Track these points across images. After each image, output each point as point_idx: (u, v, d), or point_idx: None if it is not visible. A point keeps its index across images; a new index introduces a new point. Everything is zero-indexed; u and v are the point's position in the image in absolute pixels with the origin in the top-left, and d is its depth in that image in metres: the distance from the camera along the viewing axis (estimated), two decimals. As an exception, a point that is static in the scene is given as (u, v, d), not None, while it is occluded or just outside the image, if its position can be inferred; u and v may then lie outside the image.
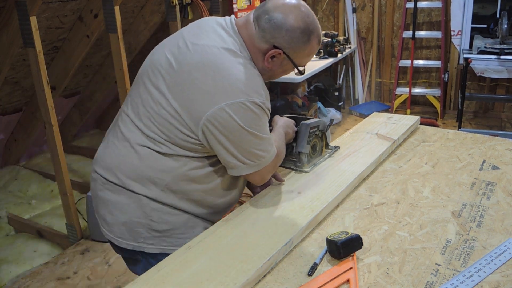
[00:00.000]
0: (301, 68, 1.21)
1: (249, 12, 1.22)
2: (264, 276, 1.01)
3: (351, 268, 1.02)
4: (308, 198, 1.28)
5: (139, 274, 1.20)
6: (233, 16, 1.22)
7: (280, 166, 1.39)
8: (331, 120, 1.56)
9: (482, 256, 1.04)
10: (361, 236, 1.06)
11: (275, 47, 1.13)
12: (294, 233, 1.11)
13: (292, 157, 1.46)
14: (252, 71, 1.12)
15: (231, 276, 0.97)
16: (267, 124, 1.19)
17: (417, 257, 1.05)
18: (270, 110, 1.18)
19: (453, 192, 1.35)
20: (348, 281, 0.98)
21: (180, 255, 1.07)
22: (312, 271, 1.01)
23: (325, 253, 1.07)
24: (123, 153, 1.19)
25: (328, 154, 1.56)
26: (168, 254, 1.08)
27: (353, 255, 1.05)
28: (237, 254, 1.04)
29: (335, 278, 0.99)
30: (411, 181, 1.43)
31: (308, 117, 1.53)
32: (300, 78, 3.57)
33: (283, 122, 1.38)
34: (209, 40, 1.13)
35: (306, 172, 1.44)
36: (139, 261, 1.25)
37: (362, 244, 1.06)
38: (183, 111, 1.10)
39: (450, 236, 1.13)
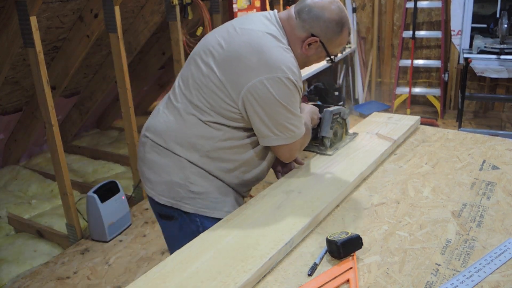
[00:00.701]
0: (332, 57, 1.38)
1: (288, 8, 1.43)
2: (264, 276, 1.01)
3: (351, 268, 1.02)
4: (308, 198, 1.28)
5: (172, 231, 1.41)
6: (275, 10, 1.41)
7: (305, 150, 1.52)
8: (350, 108, 1.66)
9: (482, 256, 1.04)
10: (361, 236, 1.06)
11: (312, 35, 1.31)
12: (294, 233, 1.11)
13: (316, 141, 1.59)
14: (289, 54, 1.29)
15: (232, 276, 0.97)
16: (299, 102, 1.34)
17: (417, 257, 1.05)
18: (302, 90, 1.35)
19: (453, 192, 1.35)
20: (348, 281, 0.98)
21: (181, 253, 1.07)
22: (312, 271, 1.01)
23: (325, 253, 1.07)
24: (172, 120, 1.36)
25: (348, 140, 1.67)
26: (202, 216, 1.31)
27: (353, 255, 1.05)
28: (238, 254, 1.04)
29: (335, 278, 0.99)
30: (411, 181, 1.43)
31: (330, 105, 1.63)
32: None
33: (309, 108, 1.53)
34: (255, 25, 1.32)
35: (329, 155, 1.57)
36: (176, 218, 1.38)
37: (362, 244, 1.06)
38: (228, 83, 1.26)
39: (450, 236, 1.13)
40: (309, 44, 1.32)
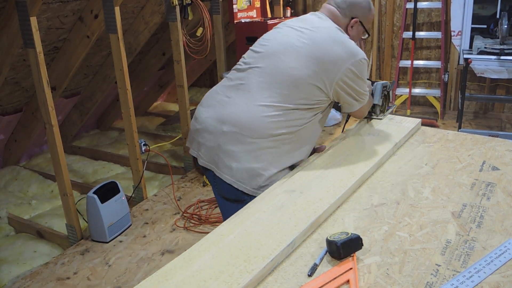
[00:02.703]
0: (368, 34, 1.70)
1: (323, 4, 1.66)
2: (265, 276, 1.01)
3: (351, 268, 1.02)
4: (310, 199, 1.28)
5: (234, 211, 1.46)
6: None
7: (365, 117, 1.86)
8: (393, 82, 1.93)
9: (482, 256, 1.04)
10: (361, 236, 1.06)
11: (352, 18, 1.61)
12: (296, 234, 1.11)
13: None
14: (353, 41, 1.57)
15: (234, 276, 0.97)
16: None
17: (417, 258, 1.05)
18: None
19: (453, 193, 1.35)
20: (348, 281, 0.98)
21: (184, 252, 1.07)
22: (312, 271, 1.01)
23: (325, 254, 1.07)
24: (249, 111, 1.48)
25: (390, 109, 1.94)
26: None
27: (353, 256, 1.05)
28: (240, 254, 1.04)
29: (335, 278, 0.99)
30: (411, 181, 1.43)
31: (376, 80, 1.92)
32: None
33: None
34: (323, 23, 1.58)
35: (380, 119, 1.88)
36: (246, 202, 1.43)
37: (362, 245, 1.06)
38: (320, 75, 1.48)
39: (450, 237, 1.13)
40: (352, 26, 1.62)
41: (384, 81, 1.87)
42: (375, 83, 1.84)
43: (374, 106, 1.84)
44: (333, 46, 1.50)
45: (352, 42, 1.55)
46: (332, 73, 1.48)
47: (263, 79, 1.52)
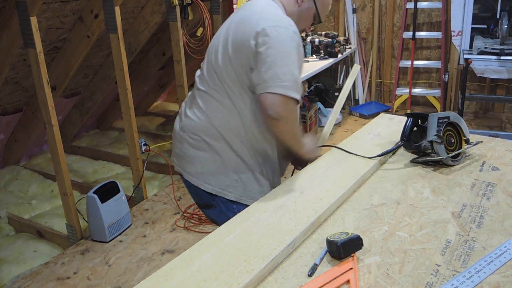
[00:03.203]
0: (318, 19, 1.55)
1: None
2: (265, 276, 1.01)
3: (351, 268, 1.02)
4: (310, 199, 1.28)
5: (212, 217, 1.56)
6: None
7: (420, 162, 1.53)
8: (449, 118, 1.55)
9: (482, 256, 1.04)
10: (361, 236, 1.06)
11: None
12: (296, 234, 1.11)
13: (427, 150, 1.52)
14: (288, 17, 1.43)
15: (234, 276, 0.97)
16: (301, 63, 1.43)
17: (417, 258, 1.05)
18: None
19: (453, 193, 1.35)
20: (348, 281, 0.98)
21: (184, 251, 1.07)
22: (312, 271, 1.01)
23: (325, 254, 1.07)
24: (203, 115, 1.49)
25: (467, 147, 1.57)
26: (241, 204, 1.46)
27: (353, 256, 1.05)
28: (240, 253, 1.04)
29: (335, 278, 0.99)
30: (411, 181, 1.43)
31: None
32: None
33: (310, 144, 1.58)
34: (257, 1, 1.47)
35: (452, 165, 1.50)
36: (214, 206, 1.52)
37: (362, 245, 1.06)
38: (235, 51, 1.39)
39: (450, 237, 1.13)
40: (302, 0, 1.49)
41: (443, 112, 1.54)
42: (429, 115, 1.52)
43: (431, 144, 1.48)
44: (251, 16, 1.41)
45: (282, 15, 1.42)
46: (248, 36, 1.36)
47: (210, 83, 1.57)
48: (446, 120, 1.52)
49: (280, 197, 1.31)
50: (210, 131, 1.47)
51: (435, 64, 4.79)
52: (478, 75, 4.05)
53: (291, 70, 1.32)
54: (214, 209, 1.53)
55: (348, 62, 5.17)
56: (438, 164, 1.52)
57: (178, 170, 1.60)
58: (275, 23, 1.34)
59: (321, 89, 4.81)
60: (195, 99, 1.53)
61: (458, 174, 1.47)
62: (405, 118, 1.61)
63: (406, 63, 4.84)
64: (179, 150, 1.57)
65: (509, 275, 0.98)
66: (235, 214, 1.27)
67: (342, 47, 4.55)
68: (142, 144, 3.22)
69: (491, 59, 3.83)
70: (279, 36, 1.32)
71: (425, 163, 1.53)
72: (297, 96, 1.35)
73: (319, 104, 4.52)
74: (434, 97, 4.81)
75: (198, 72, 1.58)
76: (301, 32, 1.52)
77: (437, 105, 4.79)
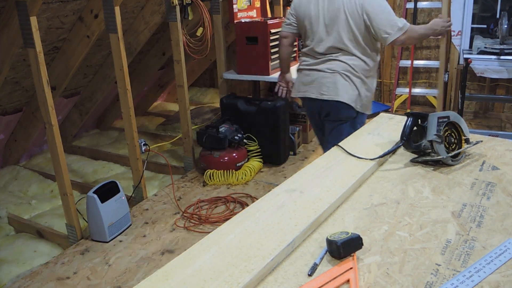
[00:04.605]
0: None
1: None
2: (265, 276, 1.01)
3: (351, 268, 1.02)
4: (310, 198, 1.28)
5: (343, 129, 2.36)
6: None
7: (420, 162, 1.53)
8: (450, 117, 1.54)
9: (482, 256, 1.04)
10: (361, 236, 1.06)
11: None
12: (296, 234, 1.11)
13: (427, 150, 1.52)
14: None
15: (234, 275, 0.97)
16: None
17: (417, 257, 1.05)
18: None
19: (453, 193, 1.35)
20: (348, 281, 0.98)
21: (184, 251, 1.07)
22: (312, 271, 1.01)
23: (325, 253, 1.07)
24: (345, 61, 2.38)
25: (467, 146, 1.56)
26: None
27: (353, 255, 1.05)
28: (241, 253, 1.04)
29: (335, 278, 0.99)
30: (411, 181, 1.43)
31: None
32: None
33: (433, 21, 2.34)
34: None
35: (451, 164, 1.50)
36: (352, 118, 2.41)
37: (362, 244, 1.06)
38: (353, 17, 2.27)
39: (450, 236, 1.13)
40: None
41: (443, 112, 1.54)
42: (429, 114, 1.53)
43: (431, 144, 1.49)
44: None
45: None
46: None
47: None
48: (446, 119, 1.52)
49: (280, 197, 1.31)
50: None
51: (435, 64, 4.79)
52: (478, 74, 4.05)
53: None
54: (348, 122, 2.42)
55: (348, 62, 5.16)
56: (438, 164, 1.52)
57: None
58: None
59: (321, 89, 4.81)
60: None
61: (458, 173, 1.47)
62: (405, 117, 1.61)
63: (406, 63, 4.85)
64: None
65: (509, 275, 0.98)
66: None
67: (342, 47, 4.54)
68: (142, 144, 3.22)
69: (491, 59, 3.83)
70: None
71: (425, 163, 1.53)
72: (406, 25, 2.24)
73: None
74: (434, 97, 4.81)
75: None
76: None
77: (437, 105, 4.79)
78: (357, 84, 2.32)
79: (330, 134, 2.45)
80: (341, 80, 2.31)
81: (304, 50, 2.47)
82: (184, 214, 3.02)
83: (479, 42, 4.04)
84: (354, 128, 2.14)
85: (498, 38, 3.95)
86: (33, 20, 2.34)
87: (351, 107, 2.34)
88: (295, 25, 2.48)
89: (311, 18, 2.35)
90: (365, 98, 2.37)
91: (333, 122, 2.43)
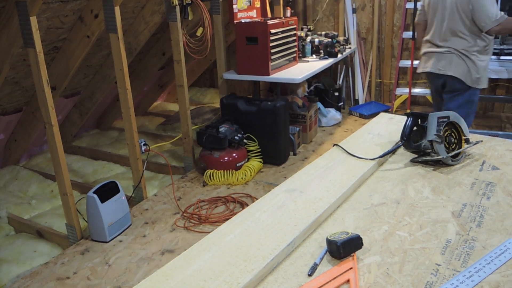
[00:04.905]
0: None
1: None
2: (265, 276, 1.01)
3: (351, 268, 1.02)
4: (310, 198, 1.29)
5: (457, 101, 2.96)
6: None
7: (420, 162, 1.54)
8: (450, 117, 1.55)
9: (482, 256, 1.04)
10: (361, 236, 1.06)
11: None
12: (296, 234, 1.11)
13: (427, 150, 1.53)
14: None
15: (234, 275, 0.97)
16: None
17: (417, 257, 1.05)
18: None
19: (453, 193, 1.35)
20: (348, 281, 0.98)
21: (184, 251, 1.07)
22: (312, 271, 1.01)
23: (325, 253, 1.07)
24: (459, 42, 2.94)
25: (467, 146, 1.57)
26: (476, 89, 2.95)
27: (353, 255, 1.05)
28: (241, 253, 1.05)
29: (335, 278, 0.99)
30: (411, 181, 1.43)
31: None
32: (299, 79, 3.58)
33: None
34: None
35: (452, 164, 1.50)
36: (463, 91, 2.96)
37: (362, 244, 1.06)
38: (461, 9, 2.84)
39: (450, 236, 1.13)
40: None
41: (443, 112, 1.54)
42: (429, 114, 1.54)
43: (431, 144, 1.49)
44: None
45: None
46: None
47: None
48: (446, 119, 1.52)
49: (280, 197, 1.32)
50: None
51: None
52: (478, 75, 4.04)
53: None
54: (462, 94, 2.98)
55: (348, 62, 5.17)
56: (438, 164, 1.52)
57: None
58: None
59: (321, 89, 4.81)
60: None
61: (458, 173, 1.47)
62: (405, 117, 1.61)
63: (406, 63, 4.84)
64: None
65: (509, 275, 0.98)
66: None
67: (342, 47, 4.55)
68: (142, 144, 3.22)
69: (491, 59, 3.83)
70: None
71: (425, 163, 1.53)
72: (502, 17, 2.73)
73: (319, 104, 4.52)
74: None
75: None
76: None
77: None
78: (468, 62, 2.88)
79: (449, 102, 3.05)
80: (455, 59, 2.92)
81: (427, 37, 3.10)
82: (184, 214, 3.02)
83: (479, 42, 4.04)
84: (469, 99, 2.94)
85: (498, 38, 3.95)
86: (33, 20, 2.34)
87: (462, 81, 2.91)
88: (424, 14, 3.15)
89: (435, 10, 2.99)
90: (476, 74, 2.88)
91: (449, 93, 3.02)
